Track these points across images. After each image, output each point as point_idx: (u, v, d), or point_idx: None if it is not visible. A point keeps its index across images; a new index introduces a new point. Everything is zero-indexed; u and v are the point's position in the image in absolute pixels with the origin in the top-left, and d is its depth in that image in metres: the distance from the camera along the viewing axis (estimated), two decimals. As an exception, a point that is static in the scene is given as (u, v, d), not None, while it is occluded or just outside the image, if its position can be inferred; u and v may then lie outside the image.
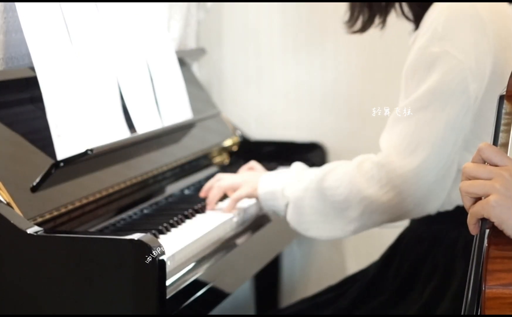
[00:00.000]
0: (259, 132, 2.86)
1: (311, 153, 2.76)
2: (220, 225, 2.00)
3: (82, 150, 1.81)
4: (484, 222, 1.22)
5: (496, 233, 1.21)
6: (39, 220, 1.69)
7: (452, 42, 1.81)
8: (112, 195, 1.95)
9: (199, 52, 2.81)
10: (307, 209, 1.92)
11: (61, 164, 1.77)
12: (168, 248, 1.68)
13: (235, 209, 2.07)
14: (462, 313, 1.22)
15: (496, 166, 1.22)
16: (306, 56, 2.86)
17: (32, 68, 1.82)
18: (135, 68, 2.15)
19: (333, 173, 1.91)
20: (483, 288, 1.17)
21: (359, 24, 2.01)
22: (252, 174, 2.12)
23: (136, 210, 2.04)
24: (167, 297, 1.64)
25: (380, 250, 2.13)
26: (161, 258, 1.58)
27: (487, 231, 1.22)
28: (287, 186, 1.97)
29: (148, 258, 1.56)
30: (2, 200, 1.65)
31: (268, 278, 2.82)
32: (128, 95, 2.08)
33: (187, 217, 2.02)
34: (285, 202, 1.96)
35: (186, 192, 2.27)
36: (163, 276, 1.59)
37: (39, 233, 1.61)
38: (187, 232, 1.92)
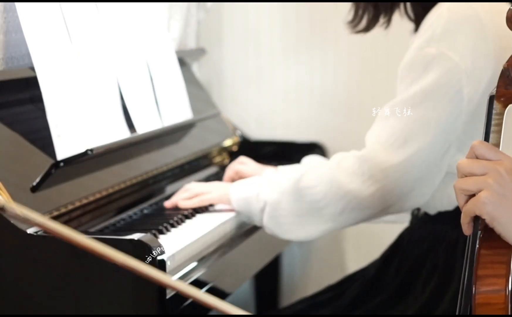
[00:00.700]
0: (259, 132, 2.86)
1: (311, 154, 2.75)
2: (220, 225, 2.00)
3: (82, 150, 1.81)
4: (477, 221, 1.21)
5: (488, 234, 1.20)
6: (39, 220, 1.69)
7: (449, 44, 1.81)
8: (112, 195, 1.95)
9: (199, 52, 2.81)
10: (284, 211, 1.91)
11: (61, 164, 1.78)
12: (168, 248, 1.68)
13: (193, 205, 2.05)
14: (456, 314, 1.22)
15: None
16: (306, 56, 2.86)
17: (32, 68, 1.82)
18: (135, 68, 2.15)
19: (310, 173, 1.91)
20: (473, 293, 1.17)
21: (363, 23, 2.00)
22: (223, 183, 2.12)
23: (136, 210, 2.04)
24: (167, 297, 1.64)
25: (380, 249, 2.13)
26: (161, 258, 1.58)
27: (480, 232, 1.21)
28: (261, 190, 1.95)
29: (148, 258, 1.56)
30: (2, 199, 1.65)
31: (268, 278, 2.81)
32: (128, 95, 2.08)
33: (187, 217, 2.02)
34: (261, 206, 1.94)
35: (186, 192, 2.27)
36: (163, 276, 1.59)
37: (39, 233, 1.61)
38: (187, 232, 1.91)
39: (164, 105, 2.23)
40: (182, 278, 1.75)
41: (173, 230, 1.92)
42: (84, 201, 1.84)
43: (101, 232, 1.85)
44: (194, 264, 1.81)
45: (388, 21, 1.99)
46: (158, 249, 1.58)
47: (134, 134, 2.05)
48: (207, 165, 2.48)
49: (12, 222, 1.60)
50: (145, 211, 2.07)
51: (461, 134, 1.85)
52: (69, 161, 1.79)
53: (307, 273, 2.92)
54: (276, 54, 2.89)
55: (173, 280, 1.28)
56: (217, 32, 2.92)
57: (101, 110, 1.97)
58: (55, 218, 1.74)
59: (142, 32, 2.22)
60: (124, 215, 1.99)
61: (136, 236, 1.58)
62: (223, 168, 2.52)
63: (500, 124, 1.26)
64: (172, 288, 1.45)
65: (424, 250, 1.96)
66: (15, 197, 1.67)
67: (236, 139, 2.65)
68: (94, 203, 1.88)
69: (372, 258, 2.15)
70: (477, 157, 1.22)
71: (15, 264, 1.62)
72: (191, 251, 1.84)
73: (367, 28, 2.01)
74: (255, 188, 1.96)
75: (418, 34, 1.87)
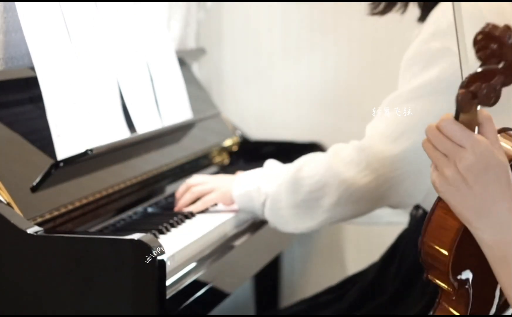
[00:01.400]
0: (259, 132, 2.86)
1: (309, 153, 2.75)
2: (220, 225, 2.00)
3: (82, 150, 1.81)
4: None
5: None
6: (39, 220, 1.69)
7: (454, 40, 1.80)
8: (112, 195, 1.95)
9: (199, 52, 2.81)
10: (284, 202, 1.92)
11: (61, 164, 1.77)
12: (168, 248, 1.68)
13: (200, 209, 2.06)
14: None
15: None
16: (306, 56, 2.86)
17: (32, 68, 1.82)
18: (135, 68, 2.15)
19: (308, 164, 1.91)
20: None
21: (381, 6, 1.99)
22: (225, 178, 2.12)
23: (136, 210, 2.04)
24: (167, 297, 1.64)
25: (380, 250, 2.13)
26: (161, 258, 1.58)
27: None
28: (262, 183, 1.96)
29: (148, 258, 1.56)
30: (2, 200, 1.65)
31: (268, 278, 2.81)
32: (128, 95, 2.08)
33: (187, 217, 2.02)
34: (262, 200, 1.95)
35: (186, 192, 2.27)
36: (163, 276, 1.59)
37: (39, 233, 1.61)
38: (187, 232, 1.91)
39: (164, 105, 2.23)
40: (182, 278, 1.75)
41: (173, 230, 1.92)
42: (84, 201, 1.84)
43: (101, 232, 1.85)
44: (194, 264, 1.81)
45: (405, 6, 1.97)
46: (158, 249, 1.58)
47: (134, 134, 2.05)
48: (207, 164, 2.48)
49: (12, 222, 1.60)
50: (145, 211, 2.07)
51: None
52: (69, 160, 1.79)
53: (307, 273, 2.92)
54: (276, 54, 2.89)
55: None
56: (217, 32, 2.92)
57: (101, 110, 1.97)
58: (55, 218, 1.75)
59: (142, 32, 2.22)
60: (124, 215, 1.99)
61: (136, 236, 1.58)
62: (223, 168, 2.53)
63: None
64: None
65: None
66: (15, 197, 1.67)
67: (236, 139, 2.65)
68: (94, 203, 1.88)
69: (372, 258, 2.15)
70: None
71: (15, 264, 1.62)
72: (191, 251, 1.84)
73: (384, 12, 1.99)
74: (256, 182, 1.97)
75: (423, 27, 1.87)
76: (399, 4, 1.98)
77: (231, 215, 2.06)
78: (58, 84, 1.85)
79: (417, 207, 2.00)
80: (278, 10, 2.86)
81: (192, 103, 2.39)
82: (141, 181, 2.07)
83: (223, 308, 2.27)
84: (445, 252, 1.22)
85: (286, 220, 1.92)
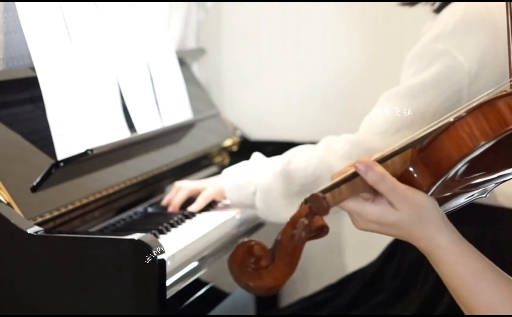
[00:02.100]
0: (259, 132, 2.86)
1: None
2: (220, 225, 2.00)
3: (82, 150, 1.81)
4: None
5: None
6: (39, 220, 1.69)
7: (457, 43, 1.80)
8: (112, 195, 1.95)
9: (199, 52, 2.81)
10: (275, 193, 1.92)
11: (61, 164, 1.78)
12: (168, 248, 1.68)
13: (201, 207, 2.05)
14: None
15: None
16: (306, 56, 2.85)
17: (32, 68, 1.82)
18: (135, 68, 2.15)
19: (299, 155, 1.91)
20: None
21: None
22: (212, 178, 2.12)
23: (136, 210, 2.04)
24: (167, 297, 1.64)
25: (379, 249, 2.13)
26: (161, 257, 1.58)
27: None
28: (252, 175, 1.97)
29: (148, 258, 1.56)
30: (2, 200, 1.65)
31: (268, 278, 2.81)
32: (128, 95, 2.08)
33: (187, 217, 2.02)
34: (252, 190, 1.96)
35: (186, 192, 2.27)
36: (163, 276, 1.59)
37: (39, 233, 1.61)
38: (187, 232, 1.91)
39: (164, 105, 2.23)
40: (182, 278, 1.75)
41: (173, 230, 1.92)
42: (84, 201, 1.84)
43: (101, 232, 1.85)
44: (194, 264, 1.81)
45: None
46: (158, 249, 1.58)
47: (134, 134, 2.05)
48: (207, 165, 2.48)
49: (12, 222, 1.60)
50: (145, 211, 2.07)
51: None
52: (69, 161, 1.79)
53: (307, 272, 2.92)
54: (276, 54, 2.89)
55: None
56: (217, 32, 2.92)
57: (101, 110, 1.97)
58: (55, 218, 1.75)
59: (142, 32, 2.22)
60: (124, 215, 1.99)
61: (136, 236, 1.58)
62: (223, 168, 2.52)
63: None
64: None
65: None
66: (15, 197, 1.66)
67: (236, 139, 2.65)
68: (94, 203, 1.88)
69: (372, 257, 2.15)
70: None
71: (15, 264, 1.62)
72: (191, 251, 1.84)
73: (413, 1, 1.97)
74: (245, 173, 1.98)
75: (432, 26, 1.86)
76: None
77: (231, 215, 2.06)
78: (58, 84, 1.85)
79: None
80: (278, 10, 2.86)
81: (192, 103, 2.39)
82: (141, 181, 2.07)
83: (223, 308, 2.27)
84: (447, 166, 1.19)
85: (276, 210, 1.93)
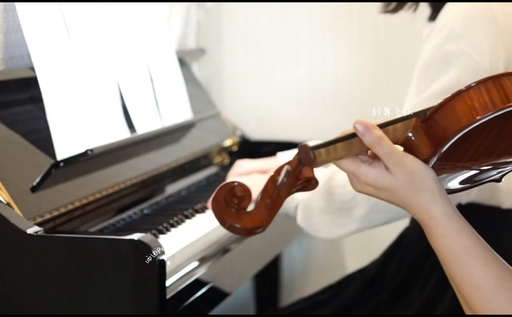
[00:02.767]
0: (259, 132, 2.86)
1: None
2: (220, 225, 1.99)
3: (82, 150, 1.81)
4: None
5: None
6: (39, 220, 1.69)
7: (469, 42, 1.79)
8: (112, 195, 1.95)
9: (199, 52, 2.81)
10: (316, 209, 1.91)
11: (61, 164, 1.77)
12: (168, 248, 1.68)
13: None
14: None
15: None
16: (306, 56, 2.86)
17: (32, 68, 1.81)
18: (135, 68, 2.15)
19: (341, 171, 1.91)
20: None
21: (393, 4, 1.99)
22: (261, 178, 2.11)
23: (136, 210, 2.04)
24: (167, 297, 1.64)
25: (380, 249, 2.13)
26: (161, 258, 1.58)
27: None
28: None
29: (148, 258, 1.56)
30: (2, 200, 1.65)
31: (268, 278, 2.81)
32: (128, 95, 2.08)
33: (187, 217, 2.02)
34: (295, 204, 1.95)
35: (186, 192, 2.27)
36: (163, 276, 1.59)
37: (39, 233, 1.61)
38: (187, 232, 1.91)
39: (164, 105, 2.23)
40: (182, 278, 1.75)
41: (173, 230, 1.92)
42: (84, 201, 1.84)
43: (101, 232, 1.85)
44: (194, 264, 1.81)
45: (416, 4, 1.96)
46: (158, 249, 1.58)
47: (134, 134, 2.05)
48: (207, 165, 2.47)
49: (12, 222, 1.60)
50: (145, 211, 2.07)
51: None
52: (69, 161, 1.79)
53: (307, 273, 2.92)
54: (276, 54, 2.89)
55: None
56: (217, 32, 2.92)
57: (101, 110, 1.96)
58: (55, 218, 1.74)
59: (142, 32, 2.22)
60: (124, 215, 1.99)
61: (136, 236, 1.58)
62: (223, 168, 2.52)
63: None
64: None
65: (424, 249, 1.96)
66: (15, 197, 1.66)
67: (236, 139, 2.65)
68: (94, 203, 1.88)
69: (372, 258, 2.15)
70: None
71: (15, 264, 1.62)
72: (191, 251, 1.84)
73: (395, 10, 1.98)
74: None
75: (434, 30, 1.85)
76: (410, 3, 1.97)
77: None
78: (58, 84, 1.85)
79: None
80: (278, 10, 2.86)
81: (192, 103, 2.39)
82: (141, 181, 2.07)
83: (223, 308, 2.27)
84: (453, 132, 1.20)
85: (318, 227, 1.92)
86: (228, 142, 2.61)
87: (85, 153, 1.80)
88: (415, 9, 1.97)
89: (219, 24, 2.92)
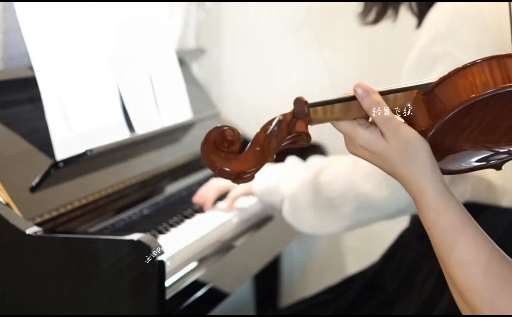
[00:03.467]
0: (259, 132, 2.86)
1: (311, 154, 2.75)
2: (220, 225, 2.00)
3: (82, 150, 1.80)
4: None
5: None
6: (38, 220, 1.69)
7: (454, 43, 1.80)
8: (112, 195, 1.95)
9: (199, 52, 2.81)
10: (302, 204, 1.93)
11: (61, 164, 1.77)
12: (168, 248, 1.68)
13: (233, 208, 2.07)
14: None
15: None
16: (305, 56, 2.85)
17: (31, 68, 1.81)
18: (134, 68, 2.14)
19: (328, 168, 1.92)
20: None
21: (372, 15, 2.00)
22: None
23: (135, 210, 2.04)
24: (167, 297, 1.64)
25: (380, 250, 2.12)
26: (160, 258, 1.57)
27: None
28: (282, 182, 1.98)
29: (147, 258, 1.56)
30: (1, 200, 1.65)
31: (268, 278, 2.81)
32: (128, 95, 2.07)
33: (187, 217, 2.02)
34: (281, 198, 1.97)
35: (186, 192, 2.27)
36: (162, 276, 1.59)
37: (38, 234, 1.61)
38: (187, 232, 1.91)
39: (164, 105, 2.23)
40: (182, 278, 1.75)
41: (172, 230, 1.92)
42: (84, 201, 1.84)
43: (100, 232, 1.85)
44: (194, 264, 1.81)
45: (395, 14, 1.98)
46: (158, 249, 1.58)
47: (134, 134, 2.05)
48: (207, 165, 2.47)
49: (11, 222, 1.60)
50: (145, 211, 2.06)
51: None
52: (68, 161, 1.79)
53: (307, 273, 2.92)
54: (276, 54, 2.88)
55: None
56: (217, 32, 2.92)
57: (101, 110, 1.96)
58: (55, 218, 1.74)
59: (141, 32, 2.22)
60: (123, 215, 1.99)
61: (135, 237, 1.58)
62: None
63: None
64: None
65: (423, 250, 1.96)
66: (14, 197, 1.66)
67: (236, 139, 2.65)
68: (94, 203, 1.88)
69: (372, 258, 2.15)
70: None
71: (14, 264, 1.62)
72: (191, 251, 1.84)
73: (376, 21, 2.00)
74: (276, 180, 1.99)
75: (421, 32, 1.86)
76: (390, 12, 1.98)
77: (231, 215, 2.05)
78: (57, 84, 1.85)
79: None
80: (278, 10, 2.86)
81: (192, 103, 2.39)
82: (141, 181, 2.07)
83: (223, 308, 2.27)
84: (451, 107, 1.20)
85: (303, 221, 1.94)
86: (228, 142, 2.60)
87: (84, 154, 1.80)
88: (394, 19, 1.98)
89: (219, 24, 2.92)
